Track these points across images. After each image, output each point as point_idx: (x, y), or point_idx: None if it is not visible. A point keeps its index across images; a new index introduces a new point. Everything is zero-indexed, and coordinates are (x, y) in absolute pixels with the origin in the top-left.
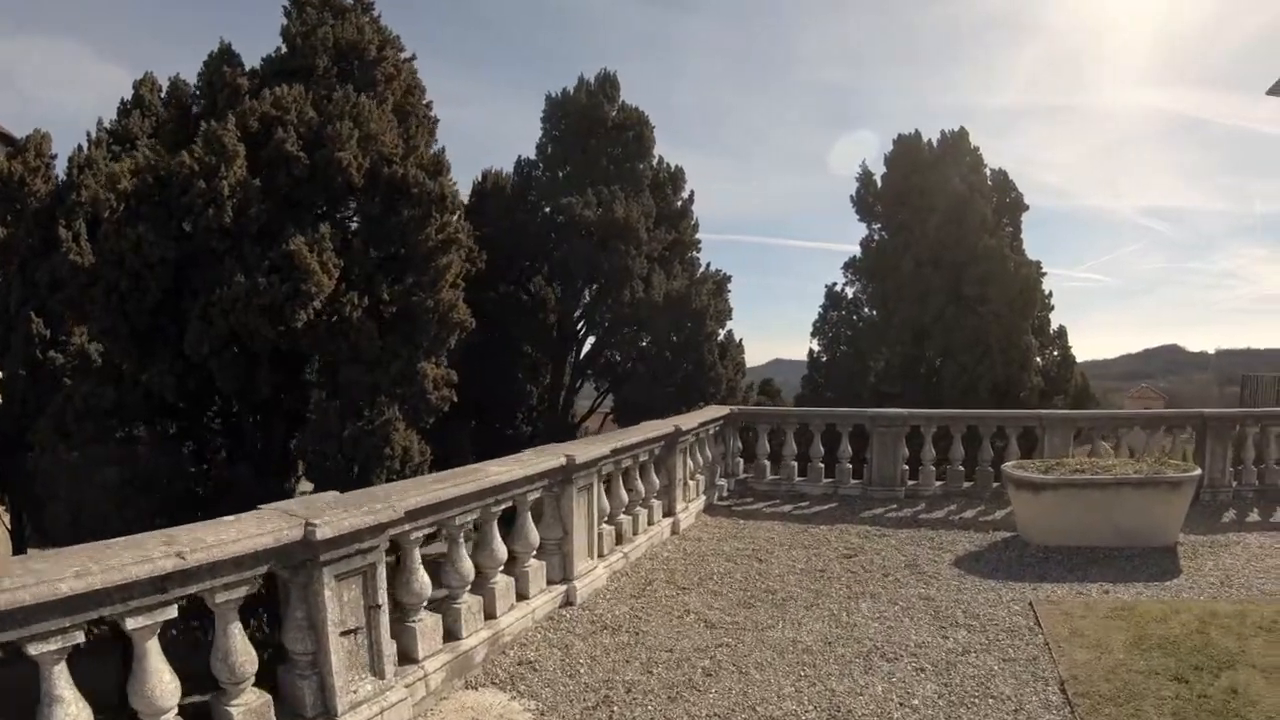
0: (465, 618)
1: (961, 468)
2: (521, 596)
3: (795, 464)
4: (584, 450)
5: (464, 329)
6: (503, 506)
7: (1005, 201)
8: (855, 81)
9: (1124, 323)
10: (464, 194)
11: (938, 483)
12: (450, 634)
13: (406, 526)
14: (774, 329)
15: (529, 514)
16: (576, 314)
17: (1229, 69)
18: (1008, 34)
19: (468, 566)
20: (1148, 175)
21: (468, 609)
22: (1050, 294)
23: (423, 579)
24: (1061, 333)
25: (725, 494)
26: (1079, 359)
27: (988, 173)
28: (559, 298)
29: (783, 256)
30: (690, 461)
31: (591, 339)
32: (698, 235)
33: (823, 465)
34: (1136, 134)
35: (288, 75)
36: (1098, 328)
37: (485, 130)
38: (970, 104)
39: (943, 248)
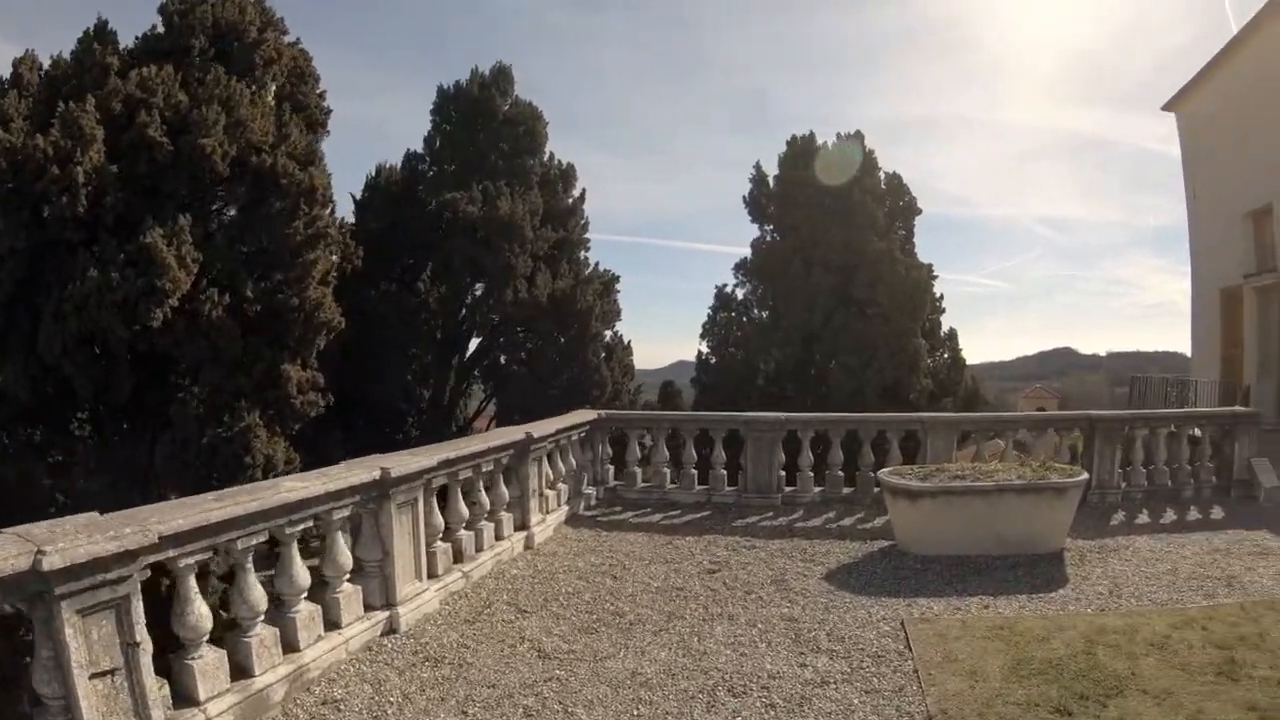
0: (257, 652)
1: (841, 473)
2: (333, 625)
3: (667, 471)
4: (404, 462)
5: (331, 329)
6: (301, 527)
7: (899, 205)
8: (772, 86)
9: (1021, 326)
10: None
11: (816, 489)
12: (241, 671)
13: (171, 552)
14: (681, 331)
15: (339, 534)
16: (461, 314)
17: (1130, 91)
18: (926, 46)
19: (258, 595)
20: (1047, 187)
21: (260, 642)
22: (941, 297)
23: (200, 610)
24: (952, 335)
25: (593, 503)
26: (978, 361)
27: (882, 176)
28: (442, 297)
29: (691, 258)
30: (549, 470)
31: (477, 339)
32: (587, 234)
33: (695, 472)
34: (1039, 148)
35: (161, 55)
36: (997, 331)
37: (392, 124)
38: (886, 113)
39: (832, 250)
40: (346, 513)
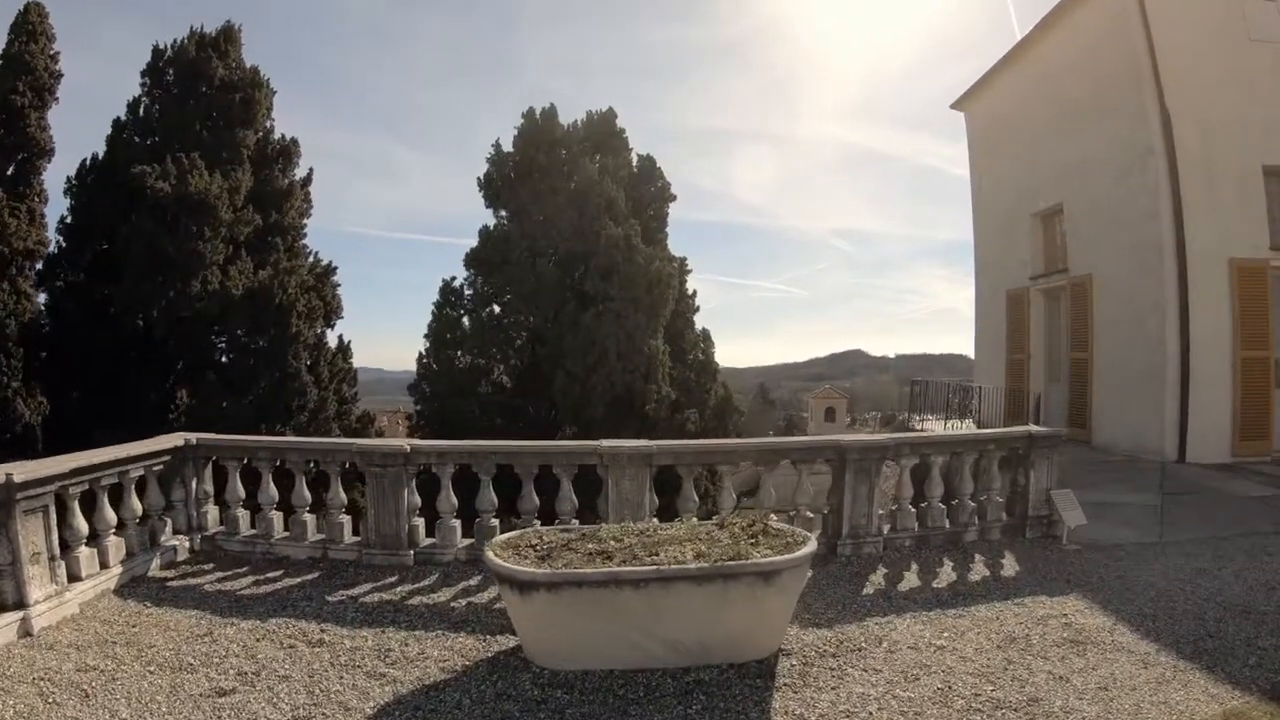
0: None
1: (495, 521)
2: None
3: (275, 517)
4: None
5: None
6: None
7: (650, 190)
8: (580, 91)
9: (815, 331)
10: None
11: (464, 542)
12: None
13: None
14: None
15: None
16: (148, 308)
17: (920, 112)
18: (730, 61)
19: None
20: (841, 201)
21: None
22: (694, 294)
23: None
24: (705, 337)
25: (178, 559)
26: (773, 363)
27: (634, 158)
28: (124, 289)
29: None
30: (81, 523)
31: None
32: (306, 219)
33: (309, 518)
34: (834, 162)
35: None
36: (792, 335)
37: None
38: (691, 123)
39: (562, 237)
40: None
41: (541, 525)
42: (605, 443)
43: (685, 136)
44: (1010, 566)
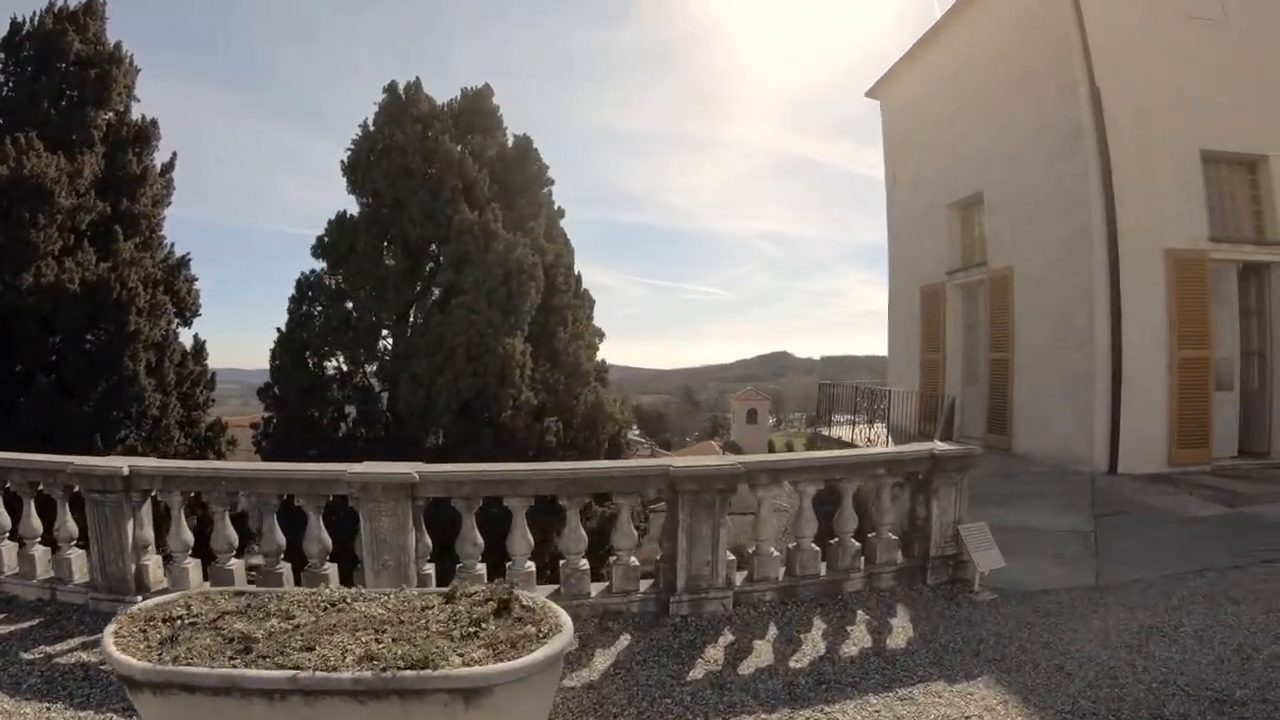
0: None
1: (234, 563)
2: None
3: (6, 548)
4: None
5: None
6: None
7: (527, 174)
8: (504, 92)
9: (742, 332)
10: None
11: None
12: None
13: None
14: None
15: None
16: None
17: (844, 122)
18: (656, 66)
19: None
20: (768, 206)
21: None
22: (585, 290)
23: None
24: (584, 336)
25: None
26: (700, 364)
27: (510, 138)
28: None
29: None
30: None
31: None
32: (163, 207)
33: (43, 550)
34: (761, 169)
35: None
36: (720, 337)
37: None
38: (617, 127)
39: (412, 223)
40: None
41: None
42: (353, 468)
43: (614, 139)
44: (902, 630)
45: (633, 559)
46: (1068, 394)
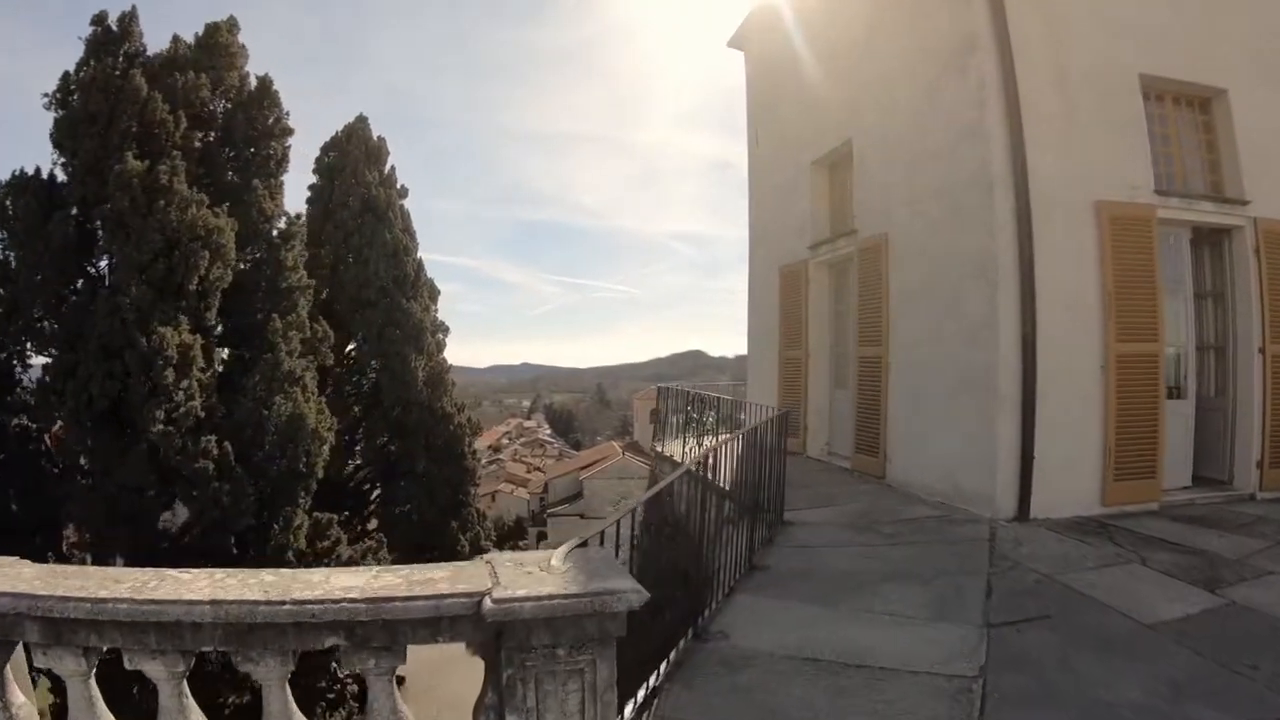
0: None
1: None
2: None
3: None
4: None
5: None
6: None
7: (263, 125)
8: (423, 89)
9: (655, 331)
10: None
11: None
12: None
13: None
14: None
15: None
16: None
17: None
18: (574, 67)
19: None
20: (679, 205)
21: None
22: (429, 279)
23: None
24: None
25: None
26: (613, 363)
27: (251, 82)
28: None
29: None
30: None
31: None
32: None
33: None
34: (673, 169)
35: None
36: (633, 335)
37: None
38: (533, 126)
39: (78, 179)
40: None
41: None
42: None
43: (528, 138)
44: None
45: None
46: (960, 404)
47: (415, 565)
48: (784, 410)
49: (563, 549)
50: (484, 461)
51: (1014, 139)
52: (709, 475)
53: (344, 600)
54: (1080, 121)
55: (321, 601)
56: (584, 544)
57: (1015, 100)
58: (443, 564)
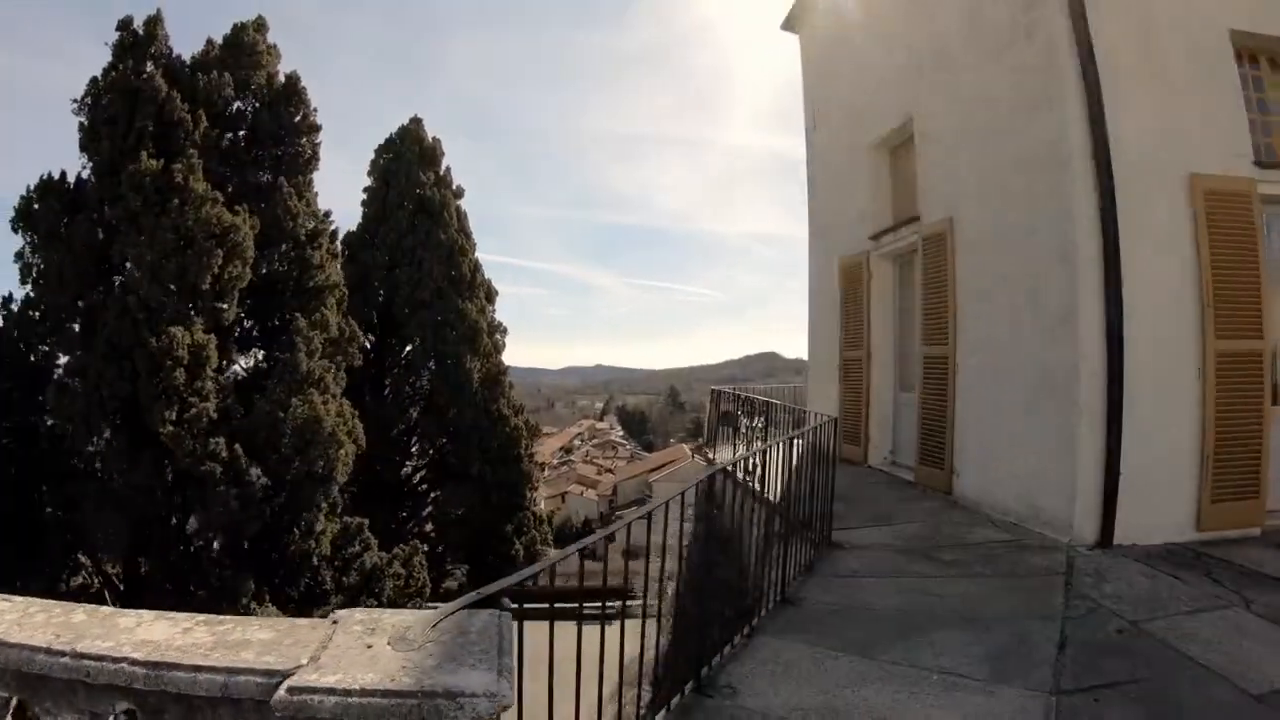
0: None
1: None
2: None
3: None
4: None
5: None
6: None
7: (291, 122)
8: (498, 96)
9: (732, 333)
10: None
11: None
12: None
13: None
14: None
15: None
16: None
17: None
18: (652, 68)
19: None
20: (757, 206)
21: None
22: (486, 280)
23: None
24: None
25: None
26: (686, 365)
27: (281, 76)
28: None
29: None
30: None
31: None
32: None
33: None
34: (750, 170)
35: None
36: (710, 338)
37: None
38: (618, 129)
39: (100, 179)
40: None
41: None
42: None
43: (609, 142)
44: None
45: None
46: (1033, 410)
47: (254, 619)
48: (830, 417)
49: (446, 609)
50: (555, 463)
51: (1091, 104)
52: (726, 497)
53: (124, 660)
54: (1166, 82)
55: (101, 658)
56: (491, 599)
57: (1090, 58)
58: (286, 620)
